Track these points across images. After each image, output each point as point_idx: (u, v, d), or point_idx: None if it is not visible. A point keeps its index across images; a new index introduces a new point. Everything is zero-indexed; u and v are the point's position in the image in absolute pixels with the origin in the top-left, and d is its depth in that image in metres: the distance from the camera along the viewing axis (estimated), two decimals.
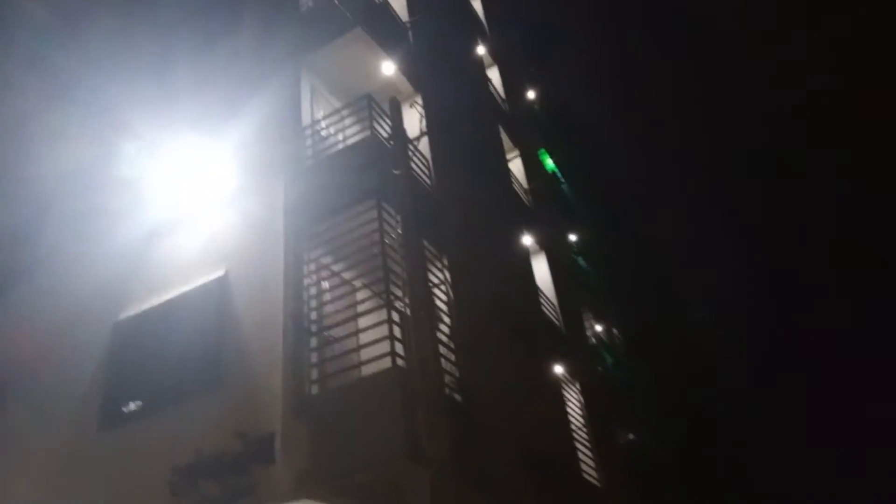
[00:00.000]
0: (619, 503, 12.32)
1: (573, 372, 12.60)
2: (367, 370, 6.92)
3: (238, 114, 8.79)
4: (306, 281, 7.47)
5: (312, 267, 7.61)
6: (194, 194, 8.73)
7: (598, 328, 16.82)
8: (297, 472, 6.40)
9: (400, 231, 7.52)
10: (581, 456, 11.58)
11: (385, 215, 7.46)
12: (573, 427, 11.84)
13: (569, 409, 11.98)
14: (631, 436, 15.66)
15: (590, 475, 11.61)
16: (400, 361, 6.58)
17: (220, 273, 7.90)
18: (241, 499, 6.51)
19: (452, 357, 7.76)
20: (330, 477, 6.31)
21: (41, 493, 7.68)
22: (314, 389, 6.93)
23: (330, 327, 7.29)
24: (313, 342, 7.14)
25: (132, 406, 7.78)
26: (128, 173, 9.43)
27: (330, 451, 6.37)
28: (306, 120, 8.85)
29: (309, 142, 8.56)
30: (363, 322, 7.26)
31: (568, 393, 12.29)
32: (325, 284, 7.78)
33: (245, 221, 8.13)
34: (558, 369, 11.84)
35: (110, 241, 9.19)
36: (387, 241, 7.32)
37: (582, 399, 12.80)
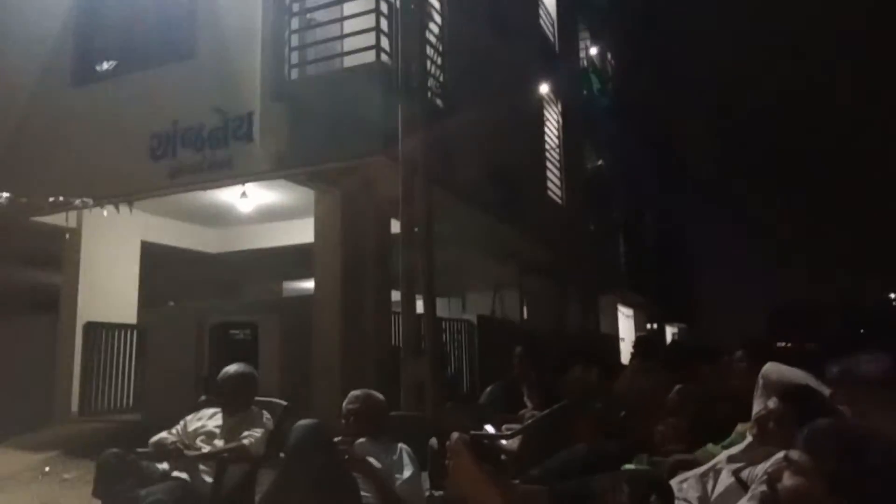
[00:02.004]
0: (577, 223, 13.19)
1: (557, 92, 12.47)
2: (349, 61, 6.71)
3: None
4: None
5: None
6: None
7: (593, 51, 16.23)
8: (274, 152, 6.57)
9: None
10: (549, 175, 12.03)
11: None
12: (547, 147, 12.10)
13: (545, 129, 12.11)
14: (600, 162, 16.15)
15: (554, 194, 12.21)
16: (384, 57, 6.37)
17: None
18: (219, 170, 6.76)
19: (438, 60, 7.52)
20: (306, 161, 6.50)
21: (17, 150, 7.80)
22: (294, 74, 6.78)
23: (313, 9, 6.86)
24: (294, 23, 6.77)
25: (105, 65, 7.60)
26: None
27: (307, 137, 6.46)
28: None
29: None
30: (349, 8, 6.83)
31: (548, 112, 12.31)
32: None
33: None
34: (543, 88, 11.67)
35: None
36: None
37: (560, 120, 12.87)
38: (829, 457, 1.35)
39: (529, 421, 4.13)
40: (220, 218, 9.30)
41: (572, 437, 3.42)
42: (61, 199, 6.99)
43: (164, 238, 9.34)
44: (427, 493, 2.88)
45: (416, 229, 5.64)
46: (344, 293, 6.78)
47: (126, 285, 8.66)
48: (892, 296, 52.42)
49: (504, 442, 4.02)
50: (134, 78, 7.44)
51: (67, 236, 8.07)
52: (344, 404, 3.12)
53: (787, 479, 1.40)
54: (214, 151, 6.77)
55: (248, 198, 7.98)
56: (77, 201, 7.16)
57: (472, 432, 3.82)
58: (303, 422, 2.51)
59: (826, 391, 2.59)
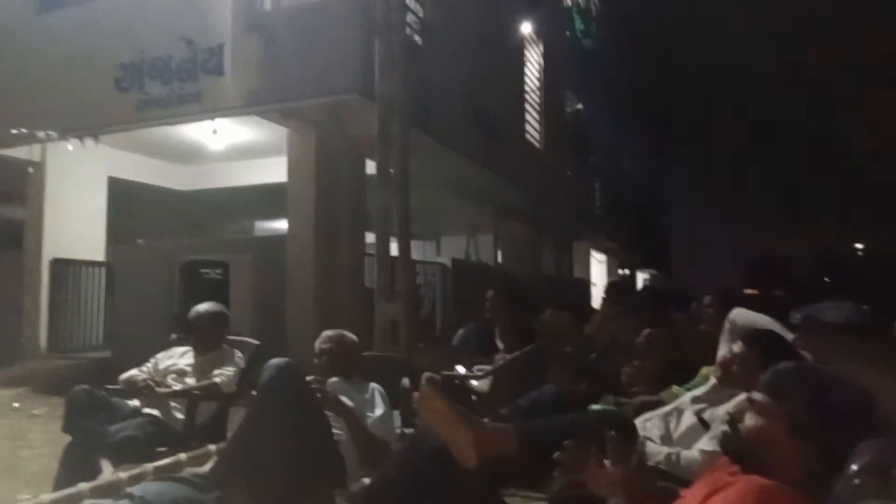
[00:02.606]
0: (554, 167, 13.15)
1: (539, 32, 12.21)
2: None
3: None
4: None
5: None
6: None
7: None
8: (246, 87, 6.38)
9: None
10: (528, 118, 11.91)
11: None
12: (526, 89, 11.93)
13: (526, 71, 11.92)
14: (579, 105, 16.00)
15: (533, 138, 12.11)
16: None
17: None
18: (188, 104, 6.56)
19: None
20: (279, 97, 6.33)
21: None
22: (267, 4, 6.54)
23: None
24: None
25: None
26: None
27: (281, 73, 6.27)
28: None
29: None
30: None
31: (529, 53, 12.09)
32: None
33: None
34: (525, 28, 11.42)
35: None
36: None
37: (542, 62, 12.66)
38: (790, 398, 1.38)
39: (500, 363, 4.19)
40: (191, 155, 9.08)
41: (543, 379, 3.48)
42: (24, 131, 6.76)
43: (132, 174, 9.12)
44: (398, 431, 2.92)
45: (391, 170, 5.56)
46: (317, 234, 6.72)
47: (93, 221, 8.48)
48: (858, 246, 53.73)
49: (475, 383, 4.09)
50: (99, 5, 7.12)
51: (31, 170, 7.83)
52: (317, 344, 3.12)
53: (749, 420, 1.43)
54: (183, 84, 6.55)
55: (218, 134, 7.78)
56: (41, 134, 6.94)
57: (444, 373, 3.87)
58: (275, 360, 2.50)
59: (790, 336, 2.64)
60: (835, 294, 26.61)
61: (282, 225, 7.86)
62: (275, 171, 8.02)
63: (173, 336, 3.86)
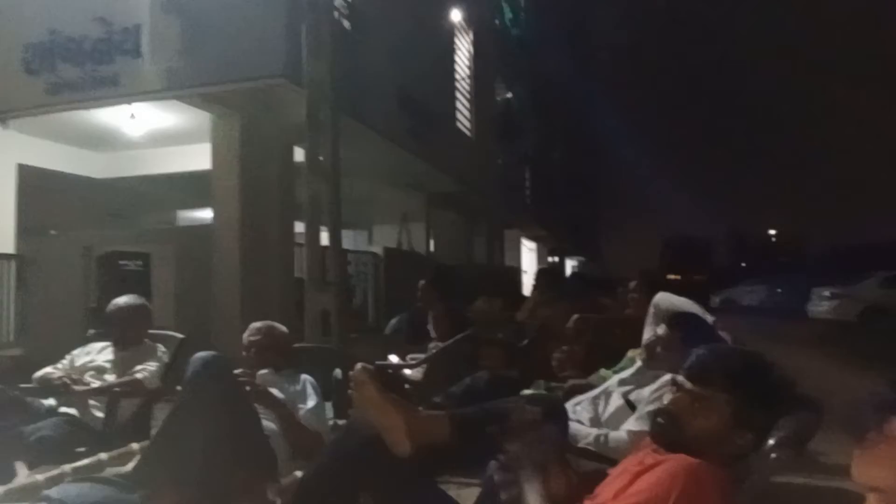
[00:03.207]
0: (485, 155, 13.24)
1: (469, 20, 12.24)
2: None
3: None
4: None
5: None
6: None
7: None
8: (165, 70, 6.11)
9: None
10: (459, 106, 11.93)
11: None
12: (457, 77, 11.94)
13: (456, 59, 11.93)
14: (509, 94, 16.17)
15: (463, 126, 12.15)
16: None
17: None
18: (103, 87, 6.24)
19: None
20: (200, 81, 6.10)
21: None
22: None
23: None
24: None
25: None
26: None
27: (203, 55, 6.04)
28: None
29: None
30: None
31: (459, 41, 12.10)
32: None
33: None
34: (455, 15, 11.41)
35: None
36: None
37: (472, 50, 12.71)
38: (733, 389, 1.42)
39: (433, 351, 4.20)
40: (107, 141, 8.64)
41: (475, 366, 3.51)
42: None
43: (43, 161, 8.59)
44: (331, 423, 2.88)
45: (321, 158, 5.46)
46: (244, 223, 6.55)
47: (1, 212, 7.98)
48: (772, 232, 56.67)
49: (408, 371, 4.09)
50: None
51: None
52: (245, 336, 3.05)
53: (692, 415, 1.45)
54: (98, 66, 6.22)
55: (137, 120, 7.44)
56: None
57: (377, 362, 3.85)
58: (201, 354, 2.42)
59: (710, 319, 2.75)
60: (749, 278, 27.99)
61: (206, 214, 7.61)
62: (198, 158, 7.73)
63: (91, 331, 3.68)
